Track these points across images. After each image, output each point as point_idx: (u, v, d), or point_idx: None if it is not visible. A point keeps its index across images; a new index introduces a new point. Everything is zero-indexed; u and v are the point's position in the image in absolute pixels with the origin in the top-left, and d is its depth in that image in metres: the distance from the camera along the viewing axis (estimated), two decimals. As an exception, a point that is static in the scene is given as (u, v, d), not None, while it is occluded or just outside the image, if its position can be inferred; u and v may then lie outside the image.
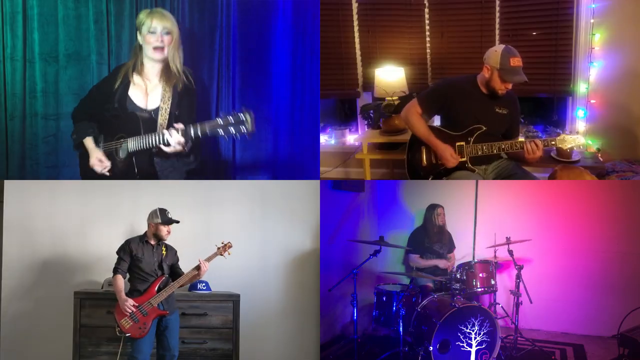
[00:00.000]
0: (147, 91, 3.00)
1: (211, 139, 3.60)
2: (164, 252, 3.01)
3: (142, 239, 2.99)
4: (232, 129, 2.67)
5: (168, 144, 2.78)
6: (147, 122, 2.93)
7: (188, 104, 3.05)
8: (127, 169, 2.97)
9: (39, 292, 3.48)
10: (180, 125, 2.77)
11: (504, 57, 3.15)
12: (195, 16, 3.53)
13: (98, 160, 2.99)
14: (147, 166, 2.99)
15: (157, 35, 2.88)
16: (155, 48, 2.90)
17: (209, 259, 2.98)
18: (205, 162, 3.63)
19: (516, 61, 3.16)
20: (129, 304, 2.85)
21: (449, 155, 3.32)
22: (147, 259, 2.95)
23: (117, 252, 2.97)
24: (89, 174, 3.09)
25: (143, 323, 2.87)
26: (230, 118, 2.67)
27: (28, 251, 3.48)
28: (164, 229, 2.97)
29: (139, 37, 2.94)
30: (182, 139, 2.75)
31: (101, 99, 3.04)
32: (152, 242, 3.00)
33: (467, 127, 3.34)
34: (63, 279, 3.47)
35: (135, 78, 3.00)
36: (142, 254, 2.94)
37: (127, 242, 2.98)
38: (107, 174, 2.98)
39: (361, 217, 4.18)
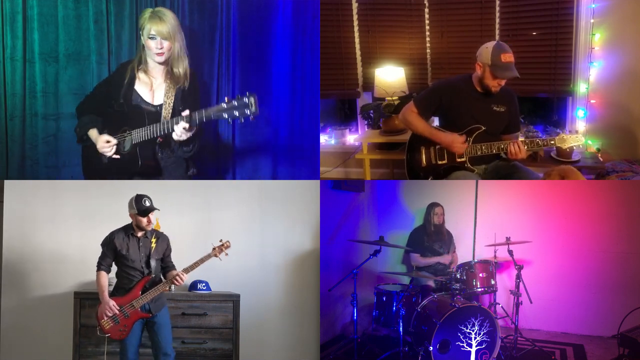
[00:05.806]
0: (153, 88, 3.01)
1: (212, 136, 3.64)
2: (153, 245, 2.85)
3: (128, 231, 2.83)
4: (236, 112, 2.64)
5: (173, 131, 2.77)
6: (151, 115, 2.93)
7: (193, 99, 3.05)
8: (131, 161, 2.93)
9: (39, 292, 3.48)
10: (185, 112, 2.77)
11: (495, 53, 3.12)
12: (195, 16, 3.54)
13: (105, 142, 2.91)
14: (151, 158, 2.97)
15: (157, 41, 2.87)
16: (157, 53, 2.90)
17: (201, 261, 2.87)
18: (204, 160, 3.64)
19: (507, 57, 3.12)
20: (110, 305, 2.73)
21: (456, 141, 3.28)
22: (132, 255, 2.79)
23: (101, 245, 2.81)
24: (92, 171, 3.07)
25: (124, 325, 2.75)
26: (235, 102, 2.66)
27: (28, 251, 3.48)
28: (143, 220, 2.79)
29: (142, 38, 2.94)
30: (187, 125, 2.74)
31: (108, 95, 3.03)
32: (139, 234, 2.83)
33: (465, 127, 3.32)
34: (63, 279, 3.48)
35: (141, 75, 3.01)
36: (126, 250, 2.79)
37: (112, 236, 2.81)
38: (117, 156, 2.92)
39: (361, 217, 4.18)
